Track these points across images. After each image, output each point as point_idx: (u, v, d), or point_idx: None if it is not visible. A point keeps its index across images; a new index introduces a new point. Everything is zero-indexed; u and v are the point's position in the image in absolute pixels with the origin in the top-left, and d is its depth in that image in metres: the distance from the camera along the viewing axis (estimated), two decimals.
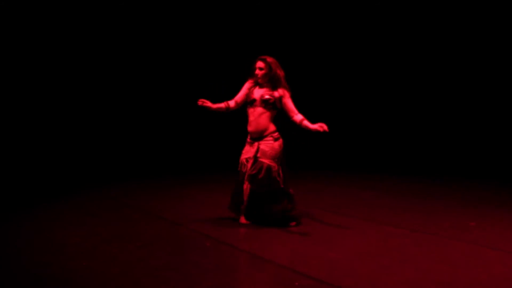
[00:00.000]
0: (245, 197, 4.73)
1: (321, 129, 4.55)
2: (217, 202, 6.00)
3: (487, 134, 9.64)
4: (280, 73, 4.75)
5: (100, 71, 9.47)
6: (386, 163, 9.53)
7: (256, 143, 4.71)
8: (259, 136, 4.70)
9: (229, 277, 3.37)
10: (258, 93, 4.75)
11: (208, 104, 4.82)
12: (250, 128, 4.76)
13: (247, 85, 4.88)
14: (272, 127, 4.74)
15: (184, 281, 3.27)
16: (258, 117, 4.70)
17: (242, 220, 4.83)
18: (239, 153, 4.88)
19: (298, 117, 4.73)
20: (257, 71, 4.74)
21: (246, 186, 4.71)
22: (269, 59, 4.75)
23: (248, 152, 4.77)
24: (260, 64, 4.74)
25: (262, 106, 4.69)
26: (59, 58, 9.05)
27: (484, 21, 9.11)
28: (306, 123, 4.68)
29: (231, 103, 4.91)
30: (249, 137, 4.82)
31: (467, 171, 8.83)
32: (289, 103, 4.74)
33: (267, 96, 4.68)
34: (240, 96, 4.91)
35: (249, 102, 4.79)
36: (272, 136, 4.70)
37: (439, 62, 9.92)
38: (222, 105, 4.90)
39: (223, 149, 10.34)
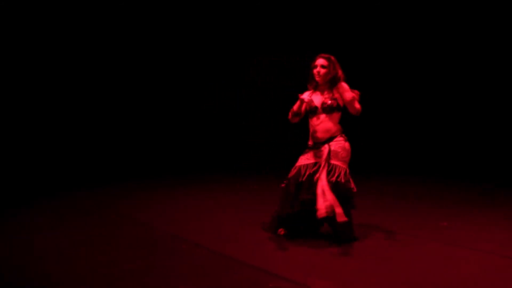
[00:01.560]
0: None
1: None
2: (194, 204, 6.01)
3: (457, 135, 9.82)
4: (341, 74, 4.34)
5: (87, 72, 9.39)
6: (356, 164, 9.58)
7: (326, 146, 4.29)
8: (328, 139, 4.32)
9: (204, 280, 3.36)
10: (317, 99, 4.35)
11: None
12: (317, 135, 4.35)
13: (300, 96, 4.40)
14: (339, 128, 4.38)
15: (159, 284, 3.26)
16: (324, 123, 4.32)
17: (281, 231, 4.46)
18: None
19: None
20: (319, 69, 4.29)
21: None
22: (333, 58, 4.34)
23: (310, 158, 4.34)
24: (322, 61, 4.31)
25: (326, 112, 4.30)
26: (53, 57, 8.93)
27: (484, 24, 9.15)
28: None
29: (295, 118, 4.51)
30: (311, 143, 4.41)
31: (438, 171, 9.00)
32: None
33: (329, 102, 4.29)
34: (297, 108, 4.45)
35: (310, 111, 4.37)
36: (342, 136, 4.36)
37: (426, 67, 10.03)
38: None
39: (203, 151, 10.36)
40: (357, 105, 4.23)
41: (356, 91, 4.31)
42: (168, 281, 3.32)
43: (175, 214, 5.46)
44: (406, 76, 10.27)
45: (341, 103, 4.29)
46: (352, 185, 4.27)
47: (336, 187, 4.12)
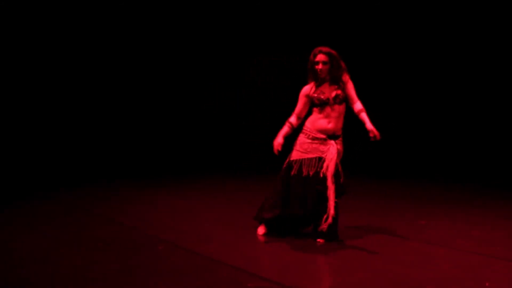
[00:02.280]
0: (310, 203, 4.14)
1: (372, 134, 4.17)
2: (172, 204, 5.97)
3: (436, 136, 9.92)
4: (343, 65, 4.25)
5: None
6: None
7: (333, 143, 4.20)
8: (336, 135, 4.25)
9: (182, 280, 3.33)
10: (327, 91, 4.22)
11: (281, 143, 4.32)
12: (328, 127, 4.20)
13: (304, 93, 4.34)
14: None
15: (137, 285, 3.21)
16: (337, 114, 4.23)
17: (261, 230, 4.44)
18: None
19: (357, 105, 4.25)
20: (320, 66, 4.17)
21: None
22: (332, 50, 4.20)
23: (312, 150, 4.21)
24: (323, 58, 4.17)
25: (338, 103, 4.20)
26: (46, 55, 8.85)
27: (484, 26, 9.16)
28: (364, 116, 4.22)
29: (293, 120, 4.38)
30: (317, 135, 4.23)
31: (417, 171, 9.09)
32: (351, 89, 4.27)
33: (341, 93, 4.20)
34: (301, 109, 4.37)
35: (320, 104, 4.22)
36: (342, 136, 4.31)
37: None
38: (287, 130, 4.37)
39: (202, 152, 10.33)
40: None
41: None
42: (147, 282, 3.27)
43: (156, 215, 5.42)
44: (391, 78, 10.32)
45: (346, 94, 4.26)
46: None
47: (337, 189, 4.15)
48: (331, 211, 4.06)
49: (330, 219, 4.06)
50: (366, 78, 10.32)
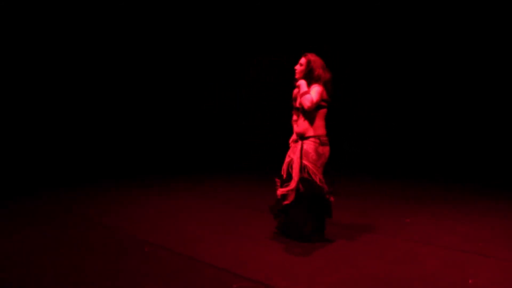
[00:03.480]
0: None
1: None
2: (156, 206, 5.95)
3: (421, 135, 10.00)
4: (320, 73, 4.26)
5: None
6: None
7: (300, 142, 4.29)
8: (304, 136, 4.27)
9: (167, 281, 3.32)
10: (298, 97, 4.35)
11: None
12: (297, 129, 4.33)
13: (294, 92, 4.48)
14: (319, 130, 4.27)
15: (124, 287, 3.21)
16: (301, 119, 4.30)
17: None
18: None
19: None
20: (297, 66, 4.37)
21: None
22: (312, 57, 4.32)
23: (290, 153, 4.38)
24: (301, 59, 4.36)
25: (301, 111, 4.29)
26: (33, 56, 8.78)
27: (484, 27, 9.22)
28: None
29: (294, 117, 4.51)
30: (293, 137, 4.44)
31: (403, 170, 9.15)
32: (311, 90, 4.22)
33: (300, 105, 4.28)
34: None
35: (295, 108, 4.44)
36: (318, 139, 4.26)
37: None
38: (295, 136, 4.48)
39: (162, 152, 10.31)
40: (305, 101, 4.15)
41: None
42: (133, 284, 3.26)
43: (143, 216, 5.38)
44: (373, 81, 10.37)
45: (321, 102, 4.24)
46: (326, 190, 4.24)
47: (309, 185, 4.14)
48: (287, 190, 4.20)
49: (281, 202, 4.23)
50: (365, 78, 10.45)
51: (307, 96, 4.16)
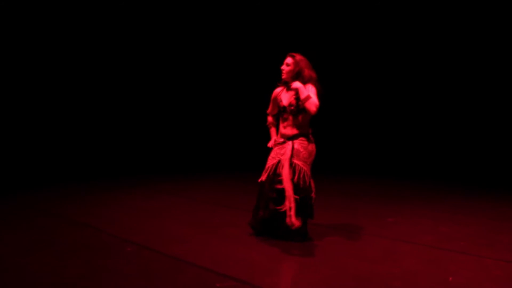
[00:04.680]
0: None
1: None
2: (139, 205, 5.91)
3: (403, 134, 10.08)
4: (310, 73, 4.29)
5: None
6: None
7: (290, 142, 4.31)
8: (292, 136, 4.32)
9: (150, 281, 3.31)
10: (286, 98, 4.37)
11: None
12: (282, 132, 4.38)
13: (273, 94, 4.51)
14: (306, 130, 4.35)
15: None
16: (290, 122, 4.33)
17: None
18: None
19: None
20: (283, 66, 4.33)
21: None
22: (299, 57, 4.31)
23: (275, 156, 4.35)
24: (288, 60, 4.32)
25: (292, 113, 4.30)
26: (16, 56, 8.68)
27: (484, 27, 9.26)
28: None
29: (271, 119, 4.66)
30: (278, 139, 4.43)
31: (386, 169, 9.22)
32: (310, 91, 4.22)
33: (295, 102, 4.27)
34: (271, 108, 4.60)
35: (280, 110, 4.42)
36: (307, 137, 4.32)
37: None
38: (274, 129, 4.64)
39: (145, 151, 10.27)
40: (311, 106, 4.14)
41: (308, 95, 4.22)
42: (115, 284, 3.24)
43: (124, 216, 5.34)
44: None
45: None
46: (313, 193, 4.27)
47: (296, 189, 4.15)
48: (289, 206, 4.09)
49: (289, 218, 4.08)
50: (365, 78, 10.49)
51: (312, 100, 4.14)
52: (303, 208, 4.20)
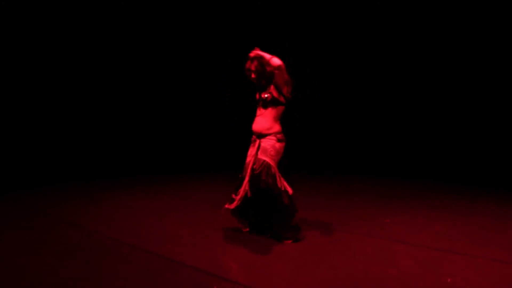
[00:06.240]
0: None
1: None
2: (135, 206, 5.93)
3: (399, 133, 10.08)
4: (270, 68, 4.27)
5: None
6: (300, 162, 9.72)
7: (257, 141, 4.39)
8: (262, 134, 4.36)
9: (146, 282, 3.35)
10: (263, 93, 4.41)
11: None
12: (252, 127, 4.43)
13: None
14: (275, 128, 4.36)
15: None
16: (259, 117, 4.38)
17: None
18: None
19: None
20: (248, 74, 4.43)
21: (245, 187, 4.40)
22: (252, 54, 4.32)
23: (250, 154, 4.44)
24: (247, 65, 4.39)
25: (262, 106, 4.35)
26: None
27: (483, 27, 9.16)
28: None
29: None
30: (252, 137, 4.50)
31: (386, 169, 9.23)
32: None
33: (264, 96, 4.32)
34: None
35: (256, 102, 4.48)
36: (275, 136, 4.34)
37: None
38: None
39: (145, 151, 10.28)
40: (273, 61, 4.16)
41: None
42: (114, 285, 3.28)
43: (120, 217, 5.37)
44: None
45: (279, 97, 4.30)
46: (279, 185, 4.27)
47: (254, 180, 4.27)
48: (240, 195, 4.37)
49: (235, 202, 4.40)
50: (365, 78, 10.49)
51: (275, 59, 4.16)
52: (274, 209, 4.28)
